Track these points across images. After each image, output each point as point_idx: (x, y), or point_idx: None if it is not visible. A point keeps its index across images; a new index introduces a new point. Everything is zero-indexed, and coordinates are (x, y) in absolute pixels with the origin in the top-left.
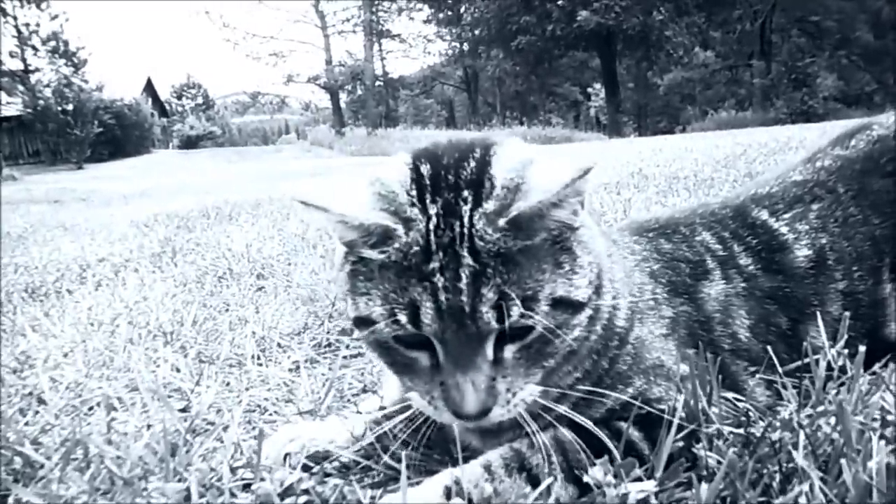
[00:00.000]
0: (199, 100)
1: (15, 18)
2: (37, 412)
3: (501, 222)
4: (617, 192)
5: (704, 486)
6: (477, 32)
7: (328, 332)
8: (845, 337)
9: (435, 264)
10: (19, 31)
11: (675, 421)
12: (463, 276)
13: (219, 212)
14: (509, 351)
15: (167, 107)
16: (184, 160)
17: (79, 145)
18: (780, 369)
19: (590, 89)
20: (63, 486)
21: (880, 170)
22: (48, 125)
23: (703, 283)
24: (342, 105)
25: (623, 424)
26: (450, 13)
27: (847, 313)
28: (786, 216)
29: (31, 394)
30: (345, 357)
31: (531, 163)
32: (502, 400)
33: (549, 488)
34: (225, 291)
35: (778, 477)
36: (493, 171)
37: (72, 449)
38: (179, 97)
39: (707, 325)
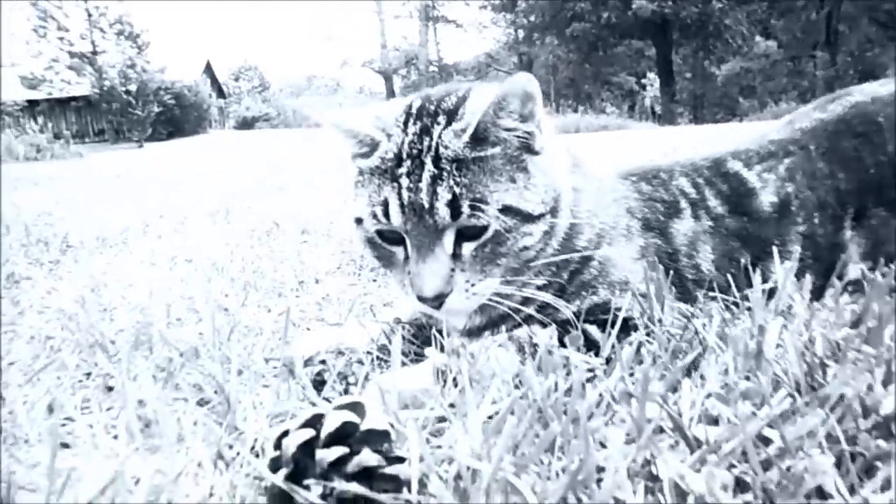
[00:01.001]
0: (256, 82)
1: (85, 1)
2: (111, 320)
3: (465, 136)
4: None
5: (627, 348)
6: (532, 19)
7: (359, 269)
8: (795, 265)
9: (403, 169)
10: (89, 14)
11: (621, 317)
12: (424, 178)
13: (269, 185)
14: (467, 248)
15: (224, 88)
16: (239, 140)
17: (140, 124)
18: (735, 292)
19: (644, 80)
20: (133, 365)
21: (851, 131)
22: (112, 105)
23: (674, 221)
24: (396, 90)
25: (588, 326)
26: None
27: (798, 248)
28: (757, 167)
29: (105, 309)
30: (368, 285)
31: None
32: (460, 289)
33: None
34: (272, 242)
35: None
36: (468, 102)
37: (139, 341)
38: (237, 79)
39: (674, 256)
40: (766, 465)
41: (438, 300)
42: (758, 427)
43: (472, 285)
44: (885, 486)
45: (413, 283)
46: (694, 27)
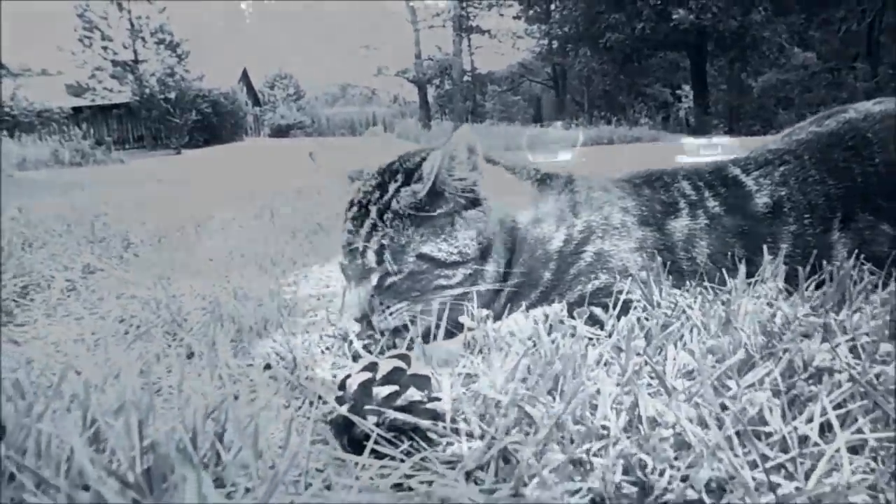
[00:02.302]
0: (291, 90)
1: (129, 12)
2: (181, 304)
3: (421, 193)
4: None
5: (623, 318)
6: (566, 30)
7: None
8: (781, 259)
9: (356, 216)
10: (132, 24)
11: (622, 298)
12: (365, 226)
13: (308, 189)
14: (389, 281)
15: (260, 96)
16: (274, 147)
17: (178, 131)
18: (728, 281)
19: (679, 91)
20: (206, 336)
21: (843, 144)
22: (152, 112)
23: (672, 218)
24: (430, 99)
25: (593, 308)
26: (539, 10)
27: (786, 246)
28: (755, 173)
29: (174, 296)
30: None
31: None
32: (378, 311)
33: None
34: (316, 242)
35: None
36: (425, 164)
37: (210, 319)
38: (272, 87)
39: (672, 249)
40: (724, 406)
41: (364, 319)
42: (716, 374)
43: (386, 308)
44: (810, 420)
45: None
46: (730, 39)
